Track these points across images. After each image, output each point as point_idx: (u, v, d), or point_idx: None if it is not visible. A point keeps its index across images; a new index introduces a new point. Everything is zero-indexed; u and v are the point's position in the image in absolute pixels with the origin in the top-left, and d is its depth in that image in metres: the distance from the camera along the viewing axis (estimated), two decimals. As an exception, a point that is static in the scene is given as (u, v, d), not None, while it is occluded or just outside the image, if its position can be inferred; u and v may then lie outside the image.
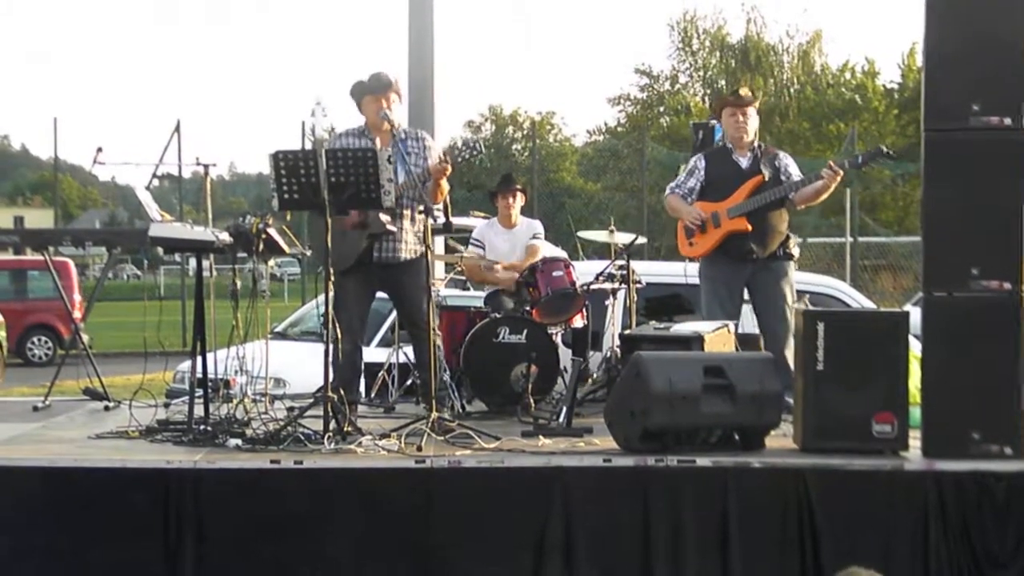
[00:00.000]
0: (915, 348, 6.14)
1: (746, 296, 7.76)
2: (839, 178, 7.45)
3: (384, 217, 7.03)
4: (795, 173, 7.71)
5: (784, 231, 7.68)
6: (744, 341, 7.56)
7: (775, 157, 7.75)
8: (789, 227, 7.80)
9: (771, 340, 7.47)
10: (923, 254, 6.07)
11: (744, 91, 7.96)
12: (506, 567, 5.65)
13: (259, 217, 6.94)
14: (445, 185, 7.28)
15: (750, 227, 7.52)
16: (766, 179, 7.60)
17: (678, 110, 42.10)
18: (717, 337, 7.03)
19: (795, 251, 7.75)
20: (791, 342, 7.15)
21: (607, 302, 8.40)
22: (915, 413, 5.97)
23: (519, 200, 8.98)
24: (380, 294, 7.66)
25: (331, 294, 6.56)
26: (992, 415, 5.79)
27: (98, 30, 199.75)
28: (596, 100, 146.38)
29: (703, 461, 5.75)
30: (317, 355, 6.54)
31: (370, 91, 7.30)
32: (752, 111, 7.73)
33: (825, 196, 7.70)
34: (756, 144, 7.76)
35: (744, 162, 7.70)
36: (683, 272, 8.30)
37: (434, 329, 7.01)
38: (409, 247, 7.32)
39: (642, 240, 9.06)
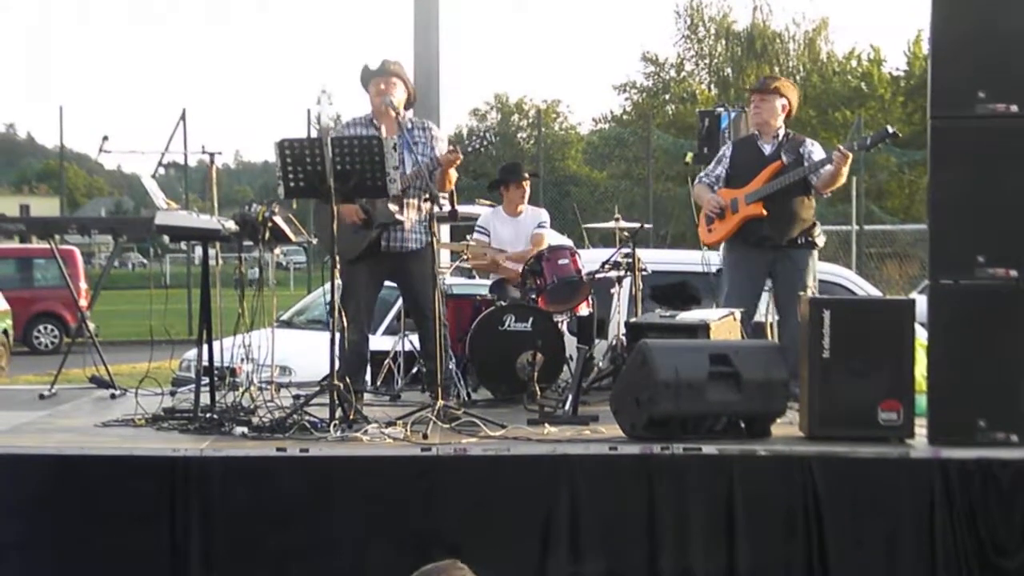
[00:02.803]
0: (921, 336, 6.14)
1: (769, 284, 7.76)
2: (848, 160, 7.46)
3: (392, 207, 7.03)
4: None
5: (808, 219, 7.65)
6: (753, 329, 7.56)
7: (800, 144, 7.75)
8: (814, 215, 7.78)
9: (788, 330, 7.42)
10: (929, 242, 6.06)
11: (767, 78, 8.03)
12: (512, 555, 5.65)
13: (265, 205, 6.94)
14: (453, 174, 7.28)
15: (765, 212, 7.52)
16: (785, 164, 7.60)
17: (684, 98, 42.08)
18: (723, 325, 7.03)
19: (820, 240, 7.69)
20: None
21: (613, 290, 8.41)
22: (921, 401, 5.96)
23: (527, 189, 8.97)
24: (387, 283, 7.66)
25: (337, 282, 6.57)
26: (998, 403, 5.79)
27: (103, 18, 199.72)
28: (602, 88, 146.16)
29: (709, 449, 5.75)
30: (323, 343, 6.55)
31: (373, 75, 7.32)
32: (772, 97, 7.74)
33: (842, 179, 7.66)
34: (784, 132, 7.77)
35: (768, 149, 7.73)
36: (688, 260, 8.30)
37: (441, 317, 7.03)
38: (417, 236, 7.32)
39: (648, 226, 9.06)
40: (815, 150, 7.73)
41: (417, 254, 7.29)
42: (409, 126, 7.23)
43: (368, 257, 7.21)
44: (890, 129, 7.75)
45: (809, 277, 7.60)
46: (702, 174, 8.01)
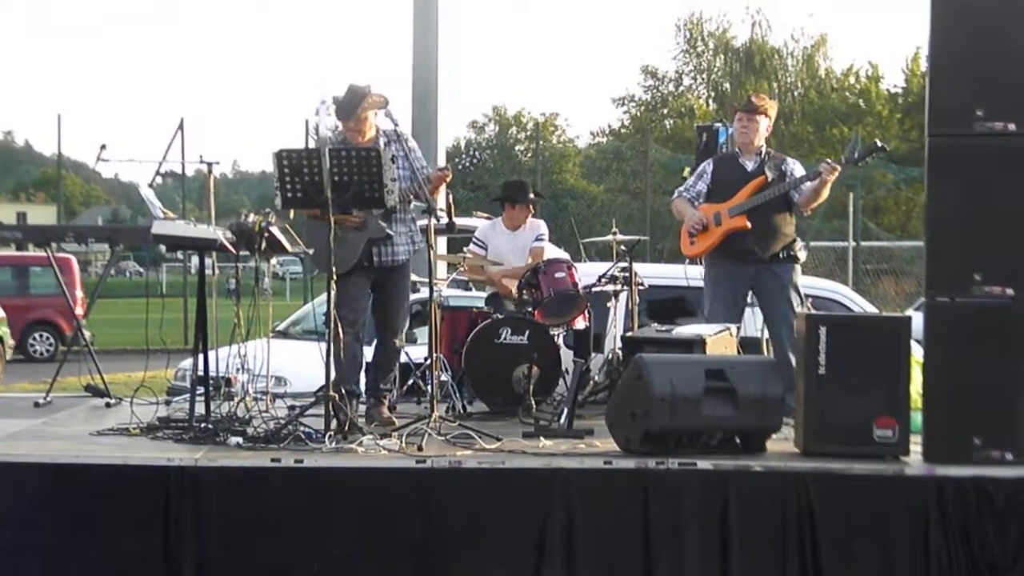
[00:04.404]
0: (917, 353, 6.14)
1: (751, 299, 7.77)
2: (836, 174, 7.48)
3: (381, 222, 7.05)
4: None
5: (789, 234, 7.68)
6: (745, 345, 7.56)
7: (782, 162, 7.78)
8: (796, 231, 7.80)
9: (777, 344, 7.48)
10: (926, 259, 6.07)
11: (755, 99, 8.00)
12: (506, 568, 5.65)
13: (262, 215, 6.94)
14: (442, 190, 7.32)
15: (749, 225, 7.54)
16: (769, 180, 7.62)
17: (682, 112, 42.17)
18: (719, 340, 7.03)
19: (801, 255, 7.73)
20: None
21: (609, 304, 8.40)
22: (916, 418, 5.96)
23: (529, 212, 8.87)
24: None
25: (333, 293, 6.56)
26: (994, 421, 5.79)
27: (102, 26, 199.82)
28: (600, 101, 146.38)
29: (704, 464, 5.74)
30: (319, 354, 6.55)
31: (340, 117, 7.24)
32: (760, 118, 7.76)
33: (825, 194, 7.69)
34: (764, 150, 7.79)
35: (750, 165, 7.74)
36: (685, 274, 8.30)
37: (402, 333, 7.41)
38: (406, 249, 7.33)
39: (644, 238, 9.05)
40: (796, 168, 7.77)
41: (403, 267, 7.34)
42: (385, 140, 7.19)
43: (358, 269, 7.20)
44: (879, 143, 7.76)
45: (791, 291, 7.61)
46: (682, 188, 8.00)
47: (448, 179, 7.24)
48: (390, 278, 7.33)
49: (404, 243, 7.31)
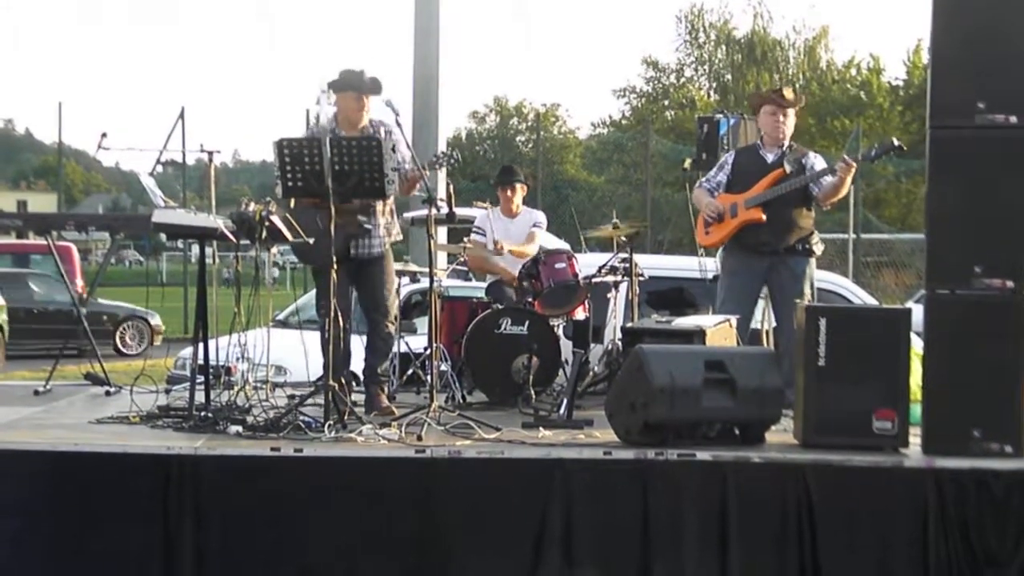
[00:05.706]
0: (917, 345, 6.14)
1: (763, 293, 7.76)
2: (852, 170, 7.46)
3: (360, 217, 7.05)
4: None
5: (806, 227, 7.65)
6: (750, 336, 7.56)
7: (804, 156, 7.75)
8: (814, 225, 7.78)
9: (786, 336, 7.44)
10: (926, 251, 6.07)
11: (788, 92, 7.97)
12: (505, 558, 5.66)
13: (263, 204, 6.94)
14: (441, 179, 7.34)
15: (764, 217, 7.53)
16: (787, 172, 7.60)
17: (683, 104, 42.12)
18: (719, 331, 7.03)
19: (817, 249, 7.70)
20: None
21: (609, 295, 8.40)
22: (916, 410, 5.97)
23: (519, 192, 8.97)
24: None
25: (333, 279, 6.56)
26: (993, 413, 5.79)
27: (104, 14, 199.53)
28: (601, 92, 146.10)
29: (703, 455, 5.75)
30: (317, 343, 6.56)
31: (358, 89, 7.18)
32: (792, 113, 7.74)
33: (845, 190, 7.67)
34: (788, 144, 7.77)
35: (770, 157, 7.73)
36: (685, 266, 8.29)
37: (395, 318, 7.39)
38: (381, 241, 7.31)
39: (645, 224, 9.05)
40: (817, 162, 7.73)
41: (381, 258, 7.32)
42: (371, 130, 7.18)
43: (339, 261, 7.20)
44: (895, 142, 7.74)
45: (806, 284, 7.60)
46: (703, 179, 8.02)
47: (419, 180, 7.18)
48: (367, 267, 7.31)
49: (381, 236, 7.30)
